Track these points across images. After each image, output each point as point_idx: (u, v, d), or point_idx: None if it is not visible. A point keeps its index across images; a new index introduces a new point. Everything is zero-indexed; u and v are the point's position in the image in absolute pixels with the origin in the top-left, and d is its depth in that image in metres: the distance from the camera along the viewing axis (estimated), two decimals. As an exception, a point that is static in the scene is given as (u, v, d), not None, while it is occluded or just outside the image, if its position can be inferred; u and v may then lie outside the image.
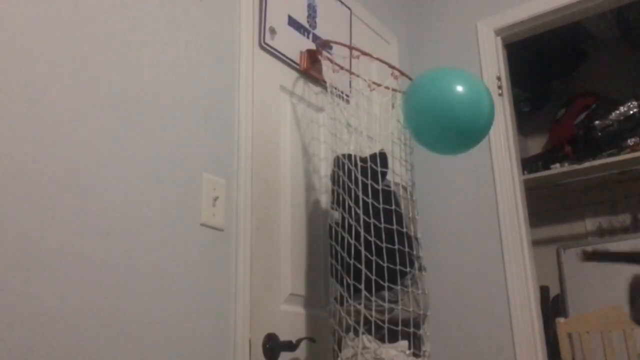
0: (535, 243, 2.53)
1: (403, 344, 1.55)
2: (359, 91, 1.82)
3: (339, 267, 1.62)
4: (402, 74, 1.87)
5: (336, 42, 1.92)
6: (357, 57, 1.85)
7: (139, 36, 1.45)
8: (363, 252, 1.57)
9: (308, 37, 2.02)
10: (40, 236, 1.14)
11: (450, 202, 2.45)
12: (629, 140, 3.13)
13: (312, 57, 1.96)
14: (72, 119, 1.25)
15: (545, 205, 3.48)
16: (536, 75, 3.53)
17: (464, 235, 2.38)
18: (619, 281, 3.10)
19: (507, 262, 2.25)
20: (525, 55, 3.24)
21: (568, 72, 3.63)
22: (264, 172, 1.73)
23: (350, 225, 1.61)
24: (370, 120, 1.79)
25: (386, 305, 1.55)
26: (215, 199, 1.54)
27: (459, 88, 1.62)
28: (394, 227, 1.62)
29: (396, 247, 1.60)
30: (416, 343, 1.59)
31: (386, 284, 1.56)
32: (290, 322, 1.68)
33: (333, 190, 1.73)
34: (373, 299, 1.54)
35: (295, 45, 1.96)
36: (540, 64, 3.52)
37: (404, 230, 1.66)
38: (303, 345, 1.64)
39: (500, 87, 2.46)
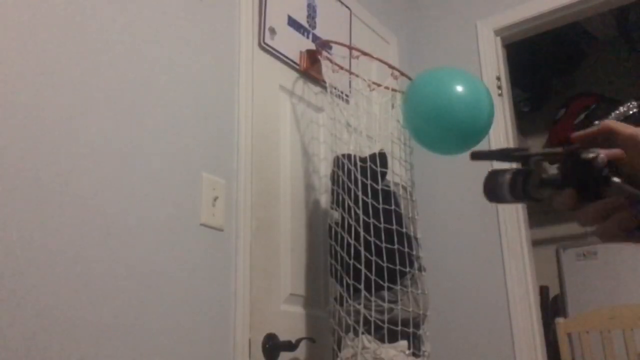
0: (535, 243, 2.53)
1: (402, 344, 1.55)
2: (358, 91, 1.82)
3: (339, 267, 1.62)
4: (402, 74, 1.88)
5: (336, 42, 1.92)
6: (357, 57, 1.85)
7: (139, 36, 1.45)
8: (363, 252, 1.57)
9: (308, 37, 2.02)
10: (39, 236, 1.14)
11: (450, 202, 2.45)
12: (628, 141, 3.13)
13: (312, 57, 1.96)
14: (71, 119, 1.25)
15: (544, 205, 3.47)
16: (536, 75, 3.53)
17: (464, 235, 2.38)
18: (618, 281, 3.10)
19: (507, 262, 2.25)
20: (525, 56, 3.25)
21: (568, 72, 3.63)
22: (264, 172, 1.73)
23: (350, 225, 1.61)
24: (370, 120, 1.79)
25: (386, 305, 1.55)
26: (215, 199, 1.54)
27: (459, 88, 1.62)
28: (394, 227, 1.62)
29: (396, 247, 1.60)
30: (416, 343, 1.59)
31: (386, 284, 1.56)
32: (290, 322, 1.68)
33: (333, 190, 1.74)
34: (373, 299, 1.54)
35: (295, 45, 1.96)
36: (540, 64, 3.52)
37: (404, 230, 1.66)
38: (303, 345, 1.64)
39: (499, 87, 2.46)
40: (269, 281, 1.65)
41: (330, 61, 1.83)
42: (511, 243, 2.26)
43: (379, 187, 1.65)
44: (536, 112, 3.72)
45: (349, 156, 1.70)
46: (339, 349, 1.58)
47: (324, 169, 1.94)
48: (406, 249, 1.63)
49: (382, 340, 1.53)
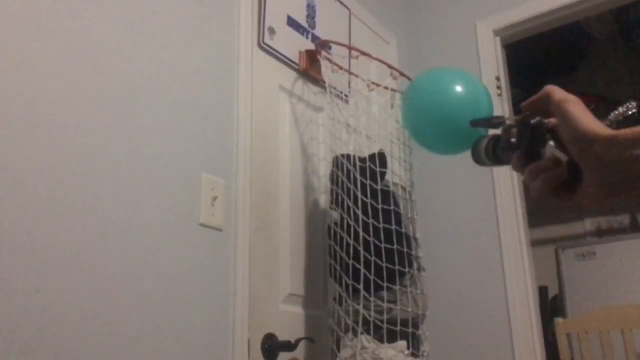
0: (534, 243, 2.53)
1: (402, 344, 1.55)
2: (358, 91, 1.82)
3: (338, 267, 1.62)
4: (401, 74, 1.88)
5: (335, 42, 1.92)
6: (356, 57, 1.85)
7: (138, 36, 1.45)
8: (362, 252, 1.57)
9: (307, 37, 2.02)
10: (37, 236, 1.14)
11: (449, 202, 2.45)
12: (628, 141, 3.13)
13: (311, 57, 1.95)
14: (69, 119, 1.25)
15: (544, 205, 3.48)
16: (535, 75, 3.53)
17: (463, 235, 2.38)
18: (617, 281, 3.10)
19: (506, 262, 2.25)
20: (524, 56, 3.25)
21: (567, 72, 3.63)
22: (263, 172, 1.73)
23: (349, 225, 1.61)
24: (369, 121, 1.79)
25: (385, 305, 1.55)
26: (214, 198, 1.54)
27: (458, 88, 1.62)
28: (393, 227, 1.62)
29: (395, 247, 1.60)
30: (415, 343, 1.59)
31: (385, 284, 1.56)
32: (289, 322, 1.68)
33: (332, 190, 1.74)
34: (372, 299, 1.54)
35: (294, 45, 1.96)
36: (539, 64, 3.52)
37: (403, 230, 1.66)
38: (302, 345, 1.64)
39: (499, 87, 2.46)
40: (268, 281, 1.65)
41: (330, 61, 1.83)
42: (510, 243, 2.26)
43: (378, 187, 1.65)
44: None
45: (348, 156, 1.70)
46: (338, 349, 1.58)
47: (323, 168, 1.94)
48: (405, 249, 1.63)
49: (381, 340, 1.53)
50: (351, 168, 1.67)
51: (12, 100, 1.15)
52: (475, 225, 2.36)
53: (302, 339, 1.62)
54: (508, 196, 2.32)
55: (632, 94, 3.27)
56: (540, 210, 3.29)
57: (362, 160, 1.68)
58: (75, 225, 1.21)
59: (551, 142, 0.63)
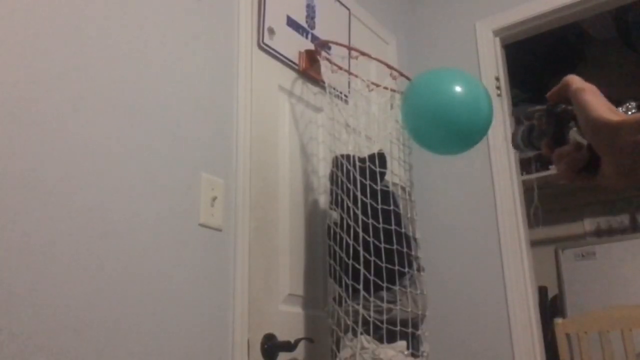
0: (534, 243, 2.53)
1: (401, 344, 1.55)
2: (357, 91, 1.82)
3: (338, 268, 1.62)
4: (401, 74, 1.88)
5: (335, 43, 1.92)
6: (356, 57, 1.85)
7: (137, 36, 1.45)
8: (362, 252, 1.57)
9: (307, 38, 2.02)
10: (36, 237, 1.14)
11: (449, 203, 2.45)
12: (627, 141, 3.13)
13: (311, 58, 1.95)
14: (69, 119, 1.25)
15: (543, 205, 3.48)
16: (534, 75, 3.53)
17: (463, 235, 2.38)
18: (617, 282, 3.10)
19: (506, 262, 2.25)
20: (524, 56, 3.25)
21: (566, 73, 3.62)
22: (263, 172, 1.73)
23: (348, 226, 1.61)
24: (369, 121, 1.79)
25: (385, 305, 1.55)
26: (214, 199, 1.54)
27: (458, 88, 1.63)
28: (393, 227, 1.62)
29: (395, 247, 1.60)
30: (414, 343, 1.59)
31: (385, 285, 1.56)
32: (288, 322, 1.68)
33: (332, 191, 1.73)
34: (371, 299, 1.54)
35: (294, 45, 1.96)
36: (538, 65, 3.52)
37: (403, 230, 1.66)
38: (301, 345, 1.64)
39: (498, 88, 2.46)
40: (268, 281, 1.65)
41: (329, 61, 1.83)
42: (510, 243, 2.26)
43: (378, 188, 1.65)
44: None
45: (347, 156, 1.70)
46: (338, 349, 1.58)
47: (323, 169, 1.94)
48: (405, 249, 1.63)
49: (380, 340, 1.53)
50: (351, 168, 1.67)
51: (11, 100, 1.15)
52: (475, 225, 2.36)
53: (301, 339, 1.62)
54: (508, 196, 2.33)
55: (632, 94, 3.27)
56: (540, 210, 3.30)
57: (362, 160, 1.68)
58: (75, 226, 1.21)
59: (574, 128, 0.67)
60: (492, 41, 2.53)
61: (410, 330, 1.57)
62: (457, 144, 1.69)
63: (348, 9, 2.28)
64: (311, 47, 1.97)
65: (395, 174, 1.78)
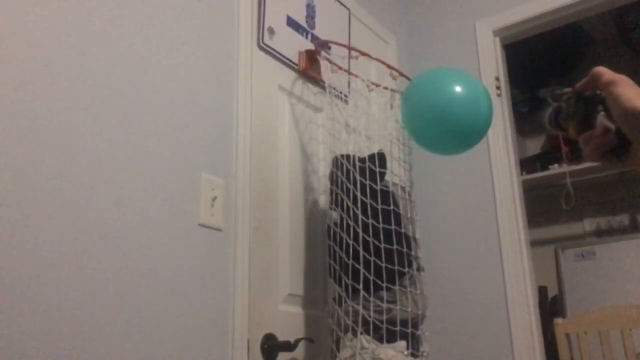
0: (534, 243, 2.53)
1: (401, 344, 1.55)
2: (357, 91, 1.82)
3: (338, 268, 1.62)
4: (401, 74, 1.87)
5: (335, 43, 1.92)
6: (356, 57, 1.85)
7: (136, 36, 1.45)
8: (361, 252, 1.57)
9: (307, 38, 2.02)
10: (35, 237, 1.14)
11: (449, 203, 2.46)
12: (627, 141, 3.13)
13: (311, 58, 1.96)
14: (69, 119, 1.25)
15: (543, 205, 3.48)
16: (534, 76, 3.53)
17: (463, 235, 2.38)
18: (617, 281, 3.10)
19: (506, 262, 2.25)
20: (524, 56, 3.25)
21: (566, 73, 3.63)
22: (263, 172, 1.73)
23: (348, 226, 1.61)
24: (369, 121, 1.79)
25: (384, 305, 1.55)
26: (214, 199, 1.54)
27: (457, 89, 1.63)
28: (393, 227, 1.62)
29: (394, 247, 1.60)
30: (414, 343, 1.59)
31: (384, 285, 1.56)
32: (288, 322, 1.68)
33: (331, 191, 1.73)
34: (371, 299, 1.54)
35: (294, 45, 1.96)
36: (538, 65, 3.52)
37: (403, 230, 1.66)
38: (301, 345, 1.64)
39: (498, 88, 2.46)
40: (268, 281, 1.65)
41: (329, 61, 1.83)
42: (510, 243, 2.26)
43: (378, 188, 1.65)
44: (535, 113, 3.72)
45: (347, 156, 1.70)
46: (338, 349, 1.58)
47: (323, 169, 1.94)
48: (405, 249, 1.63)
49: (380, 340, 1.53)
50: (351, 168, 1.67)
51: (12, 100, 1.15)
52: (475, 225, 2.36)
53: (301, 339, 1.62)
54: (508, 196, 2.33)
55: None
56: (540, 210, 3.30)
57: (362, 160, 1.68)
58: (74, 226, 1.21)
59: (602, 113, 0.71)
60: (492, 41, 2.53)
61: (410, 330, 1.57)
62: (457, 144, 1.70)
63: (348, 9, 2.28)
64: (311, 47, 1.97)
65: (395, 174, 1.78)
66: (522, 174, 2.70)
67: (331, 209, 1.73)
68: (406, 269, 1.61)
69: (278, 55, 1.87)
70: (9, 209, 1.11)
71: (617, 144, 0.69)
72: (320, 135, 1.99)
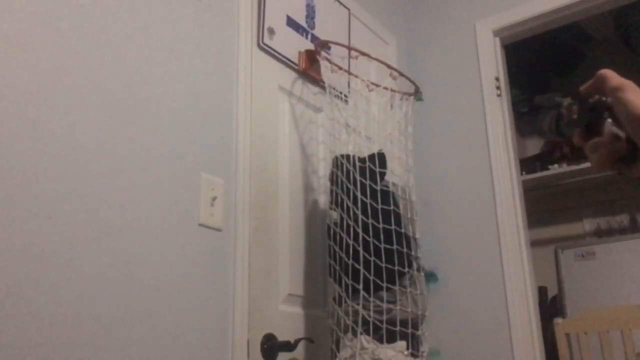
0: (534, 243, 2.53)
1: (401, 344, 1.55)
2: (357, 91, 1.82)
3: (338, 268, 1.62)
4: (401, 74, 1.88)
5: (335, 43, 1.92)
6: (356, 57, 1.85)
7: (137, 37, 1.45)
8: (361, 252, 1.57)
9: (307, 38, 2.02)
10: (35, 237, 1.14)
11: (449, 203, 2.45)
12: (626, 141, 3.13)
13: (311, 58, 1.95)
14: (68, 120, 1.25)
15: (543, 205, 3.48)
16: (534, 76, 3.53)
17: (462, 235, 2.38)
18: (617, 281, 3.10)
19: (506, 262, 2.25)
20: (524, 56, 3.25)
21: (566, 73, 3.63)
22: (263, 172, 1.73)
23: (348, 226, 1.61)
24: (369, 121, 1.79)
25: (384, 305, 1.55)
26: (214, 199, 1.54)
27: None
28: (393, 227, 1.62)
29: (394, 247, 1.60)
30: (414, 343, 1.59)
31: (384, 285, 1.56)
32: (288, 322, 1.68)
33: (331, 191, 1.73)
34: (371, 299, 1.54)
35: (293, 45, 1.96)
36: (538, 65, 3.52)
37: (403, 230, 1.66)
38: (301, 345, 1.64)
39: (498, 88, 2.46)
40: (268, 281, 1.65)
41: (329, 61, 1.83)
42: (510, 243, 2.26)
43: (378, 188, 1.65)
44: (534, 113, 3.72)
45: (347, 156, 1.70)
46: (338, 349, 1.58)
47: (323, 169, 1.94)
48: (405, 250, 1.63)
49: (380, 340, 1.53)
50: (351, 168, 1.67)
51: (11, 100, 1.15)
52: (475, 225, 2.36)
53: (301, 339, 1.62)
54: (508, 196, 2.32)
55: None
56: (539, 210, 3.30)
57: (362, 160, 1.68)
58: (74, 226, 1.21)
59: (609, 120, 0.68)
60: (492, 41, 2.53)
61: (410, 330, 1.57)
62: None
63: (348, 9, 2.28)
64: (311, 47, 1.97)
65: (395, 174, 1.78)
66: (522, 174, 2.70)
67: (331, 209, 1.73)
68: (406, 269, 1.61)
69: (278, 56, 1.87)
70: (9, 208, 1.10)
71: (627, 151, 0.67)
72: (320, 135, 1.99)
